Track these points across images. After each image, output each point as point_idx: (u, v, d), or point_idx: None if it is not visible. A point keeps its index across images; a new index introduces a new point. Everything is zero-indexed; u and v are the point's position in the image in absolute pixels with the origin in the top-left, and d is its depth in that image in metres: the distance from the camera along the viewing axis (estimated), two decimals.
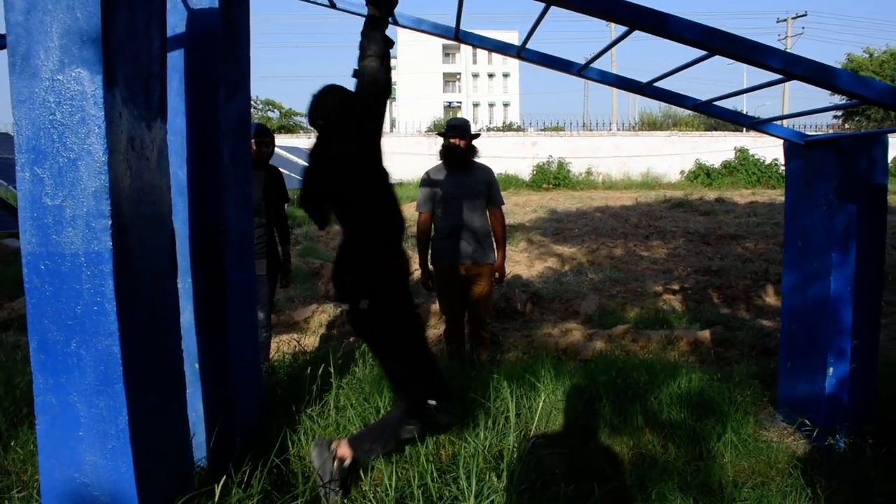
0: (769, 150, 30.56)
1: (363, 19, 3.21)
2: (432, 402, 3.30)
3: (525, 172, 32.28)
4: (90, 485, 2.32)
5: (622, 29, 3.15)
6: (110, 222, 2.21)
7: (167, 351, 2.66)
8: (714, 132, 35.70)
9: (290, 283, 5.56)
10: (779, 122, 4.23)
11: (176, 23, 3.22)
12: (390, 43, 3.24)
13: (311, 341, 6.37)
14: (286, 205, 5.62)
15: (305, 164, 3.37)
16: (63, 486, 2.34)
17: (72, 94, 2.15)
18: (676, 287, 8.87)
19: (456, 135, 5.17)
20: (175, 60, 3.22)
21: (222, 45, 3.30)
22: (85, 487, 2.33)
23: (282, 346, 5.97)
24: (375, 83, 3.09)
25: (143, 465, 2.38)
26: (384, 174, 3.31)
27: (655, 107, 56.74)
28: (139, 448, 2.36)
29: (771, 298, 8.45)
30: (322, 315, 7.38)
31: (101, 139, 2.16)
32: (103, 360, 2.27)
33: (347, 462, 3.12)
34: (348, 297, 3.26)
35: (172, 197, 2.83)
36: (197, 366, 3.38)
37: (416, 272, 5.91)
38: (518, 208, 20.05)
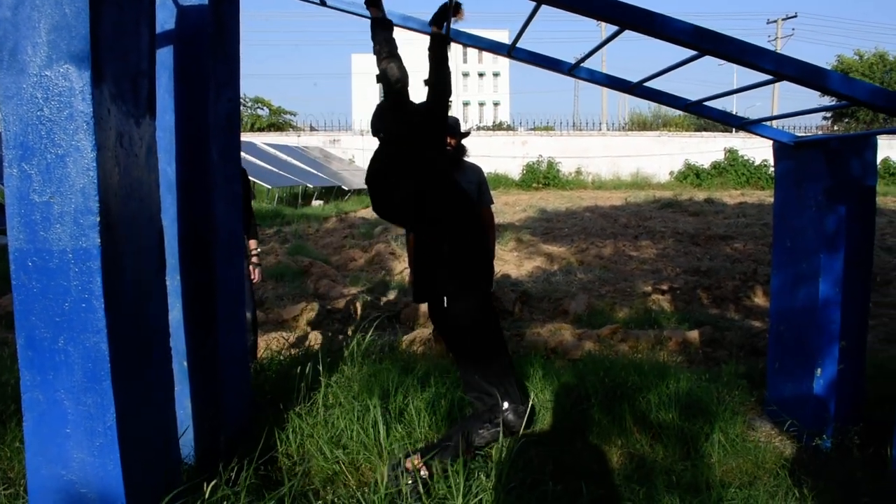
0: (759, 151, 30.74)
1: (355, 16, 3.25)
2: (506, 405, 3.28)
3: (515, 172, 32.34)
4: (77, 482, 2.31)
5: (613, 29, 3.16)
6: (98, 219, 2.19)
7: (155, 348, 2.64)
8: (704, 133, 35.87)
9: (259, 278, 5.48)
10: (768, 123, 4.25)
11: (165, 19, 3.21)
12: (447, 40, 3.38)
13: (299, 339, 6.35)
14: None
15: (367, 178, 3.47)
16: (50, 483, 2.33)
17: (60, 90, 2.14)
18: (665, 287, 8.89)
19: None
20: (164, 57, 3.20)
21: (211, 41, 3.28)
22: (72, 484, 2.32)
23: (270, 343, 5.95)
24: (399, 82, 3.25)
25: (131, 463, 2.37)
26: (448, 173, 3.43)
27: (645, 107, 56.92)
28: (126, 445, 2.34)
29: (759, 299, 8.48)
30: (311, 313, 7.36)
31: (89, 136, 2.15)
32: (91, 357, 2.25)
33: (425, 473, 3.13)
34: (429, 296, 3.32)
35: (161, 194, 2.81)
36: (185, 363, 3.37)
37: (407, 271, 5.91)
38: (508, 207, 20.07)
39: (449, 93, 3.33)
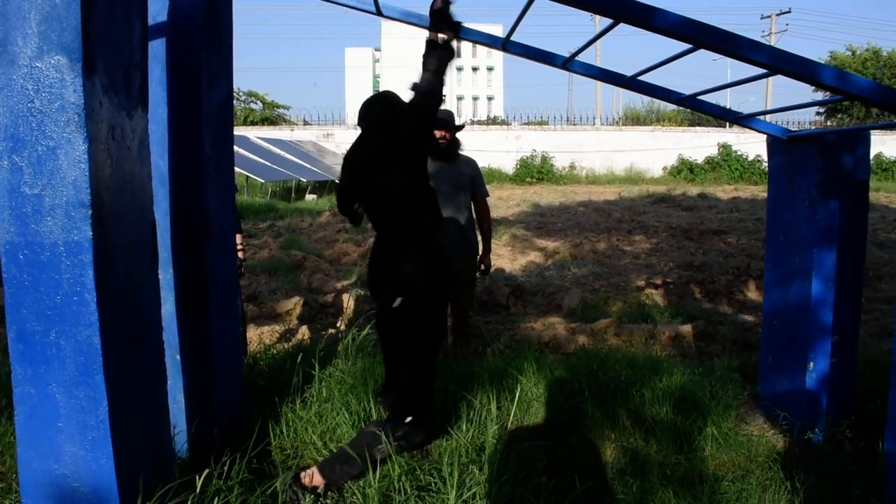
0: (752, 146, 30.80)
1: (354, 11, 3.22)
2: (409, 419, 3.24)
3: (509, 166, 32.35)
4: (69, 476, 2.30)
5: (607, 23, 3.15)
6: (90, 212, 2.18)
7: (148, 341, 2.63)
8: (697, 128, 35.91)
9: (244, 273, 5.45)
10: (762, 118, 4.25)
11: (157, 11, 3.19)
12: (452, 54, 3.31)
13: (292, 333, 6.34)
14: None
15: (342, 162, 3.46)
16: (42, 477, 2.32)
17: (51, 81, 2.12)
18: (659, 282, 8.91)
19: (440, 127, 5.14)
20: (156, 49, 3.18)
21: (204, 33, 3.26)
22: (64, 478, 2.31)
23: (263, 337, 5.94)
24: (432, 96, 3.17)
25: (123, 456, 2.36)
26: (425, 183, 3.36)
27: (639, 102, 56.90)
28: (119, 439, 2.34)
29: (752, 293, 8.51)
30: (304, 307, 7.35)
31: (80, 128, 2.13)
32: (83, 350, 2.24)
33: (321, 489, 3.09)
34: (382, 294, 3.28)
35: (154, 187, 2.80)
36: (178, 357, 3.35)
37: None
38: (501, 202, 20.07)
39: (435, 95, 3.20)
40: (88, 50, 2.13)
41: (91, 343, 2.24)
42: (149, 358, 2.64)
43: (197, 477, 2.66)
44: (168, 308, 3.30)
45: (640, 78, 3.95)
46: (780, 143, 4.18)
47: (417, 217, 3.30)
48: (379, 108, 3.35)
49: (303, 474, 3.12)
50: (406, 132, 3.19)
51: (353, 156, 3.43)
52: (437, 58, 3.19)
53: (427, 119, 3.20)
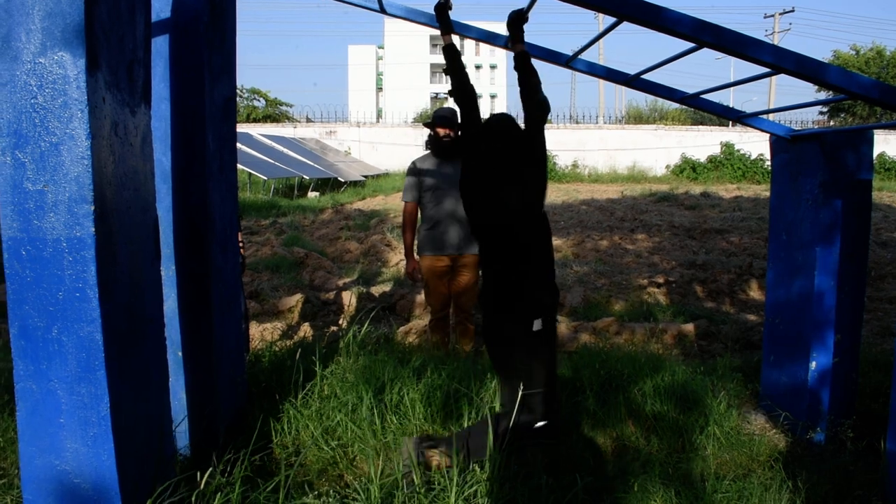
0: (755, 145, 30.78)
1: (357, 8, 3.24)
2: (540, 424, 3.29)
3: None
4: (71, 472, 2.30)
5: (611, 21, 3.15)
6: (93, 208, 2.18)
7: (150, 338, 2.63)
8: (700, 127, 35.89)
9: (244, 270, 5.41)
10: (765, 117, 4.24)
11: (161, 8, 3.18)
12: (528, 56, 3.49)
13: (294, 330, 6.35)
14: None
15: (468, 179, 3.50)
16: (43, 473, 2.32)
17: (54, 77, 2.12)
18: (661, 280, 8.90)
19: (444, 125, 5.15)
20: (160, 46, 3.18)
21: (207, 30, 3.26)
22: (66, 474, 2.31)
23: (265, 334, 5.94)
24: (548, 110, 3.41)
25: (125, 453, 2.36)
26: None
27: (642, 101, 56.85)
28: (121, 435, 2.34)
29: (755, 293, 8.50)
30: (306, 304, 7.35)
31: (83, 124, 2.13)
32: (85, 346, 2.24)
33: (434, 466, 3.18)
34: (518, 318, 3.29)
35: (157, 183, 2.80)
36: (180, 353, 3.35)
37: (402, 263, 5.90)
38: None
39: (548, 109, 3.42)
40: (92, 46, 2.13)
41: (93, 339, 2.24)
42: (150, 354, 2.64)
43: (199, 473, 2.67)
44: (170, 305, 3.30)
45: (643, 77, 3.95)
46: (784, 143, 4.17)
47: (545, 239, 3.42)
48: (506, 127, 3.43)
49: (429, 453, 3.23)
50: (537, 147, 3.36)
51: (489, 176, 3.42)
52: (534, 73, 3.42)
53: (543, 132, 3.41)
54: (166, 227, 3.26)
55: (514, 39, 3.48)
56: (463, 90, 3.48)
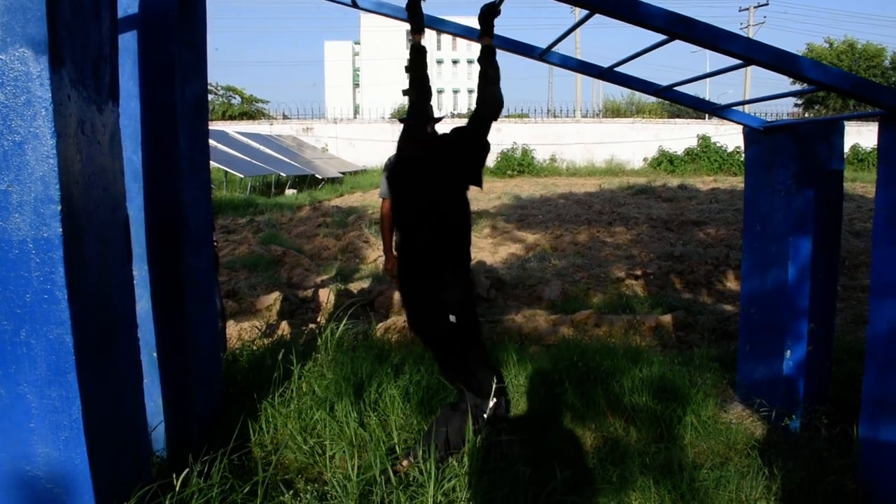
0: (731, 137, 30.99)
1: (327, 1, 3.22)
2: (494, 400, 3.35)
3: (489, 159, 32.24)
4: (43, 477, 2.26)
5: (585, 13, 3.14)
6: (60, 208, 2.14)
7: (123, 339, 2.60)
8: (677, 119, 36.07)
9: (219, 269, 5.37)
10: (740, 109, 4.27)
11: (128, 3, 3.14)
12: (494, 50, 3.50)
13: (272, 328, 6.30)
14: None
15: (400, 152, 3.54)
16: (14, 479, 2.27)
17: (16, 74, 2.07)
18: (639, 272, 8.94)
19: None
20: (128, 42, 3.13)
21: (177, 26, 3.22)
22: (37, 480, 2.27)
23: (243, 333, 5.90)
24: (500, 107, 3.41)
25: (99, 456, 2.33)
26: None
27: (619, 94, 57.03)
28: (94, 439, 2.30)
29: (731, 283, 8.56)
30: (284, 302, 7.31)
31: (48, 122, 2.09)
32: (55, 349, 2.20)
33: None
34: (435, 315, 3.32)
35: (127, 182, 2.76)
36: (154, 354, 3.32)
37: (380, 259, 5.88)
38: (482, 195, 20.03)
39: (501, 105, 3.42)
40: (55, 42, 2.09)
41: (63, 342, 2.20)
42: (123, 356, 2.61)
43: (175, 476, 2.64)
44: (143, 305, 3.26)
45: (617, 69, 3.95)
46: (757, 134, 4.20)
47: (465, 235, 3.43)
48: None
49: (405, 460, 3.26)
50: (478, 141, 3.41)
51: (418, 159, 3.44)
52: (496, 67, 3.40)
53: (489, 128, 3.45)
54: (138, 226, 3.22)
55: (483, 32, 3.49)
56: (424, 88, 3.49)
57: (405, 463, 3.20)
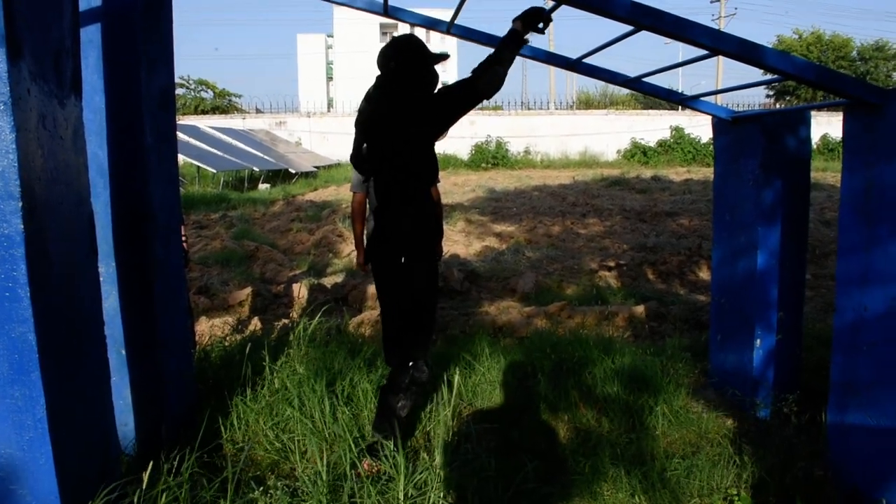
0: (704, 128, 31.11)
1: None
2: (411, 364, 3.34)
3: (464, 152, 32.33)
4: (5, 478, 2.22)
5: (553, 3, 3.14)
6: (21, 204, 2.09)
7: (88, 337, 2.56)
8: (650, 111, 36.32)
9: (188, 264, 5.28)
10: (710, 99, 4.29)
11: None
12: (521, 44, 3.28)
13: (244, 324, 6.26)
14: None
15: (363, 114, 3.39)
16: None
17: None
18: (612, 264, 9.00)
19: None
20: (91, 35, 3.08)
21: (142, 18, 3.17)
22: (0, 481, 2.23)
23: (215, 329, 5.85)
24: (496, 86, 3.16)
25: (64, 456, 2.29)
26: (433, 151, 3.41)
27: (592, 86, 57.32)
28: (59, 439, 2.27)
29: (704, 273, 8.64)
30: (257, 297, 7.26)
31: (6, 117, 2.04)
32: (17, 347, 2.16)
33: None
34: (394, 253, 3.29)
35: (92, 178, 2.72)
36: (123, 352, 3.28)
37: (354, 253, 5.87)
38: (457, 188, 20.05)
39: (498, 86, 3.18)
40: (13, 34, 2.04)
41: (25, 340, 2.16)
42: (90, 354, 2.57)
43: (143, 474, 2.61)
44: (111, 302, 3.22)
45: (586, 61, 3.95)
46: (725, 124, 4.23)
47: (420, 178, 3.34)
48: (408, 53, 3.34)
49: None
50: (448, 102, 3.24)
51: (376, 107, 3.36)
52: (513, 52, 3.19)
53: (472, 103, 3.24)
54: (104, 222, 3.18)
55: (520, 18, 3.22)
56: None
57: (366, 465, 3.19)
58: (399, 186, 3.32)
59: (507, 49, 3.15)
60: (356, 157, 3.45)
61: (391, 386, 3.35)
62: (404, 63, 3.30)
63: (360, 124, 3.42)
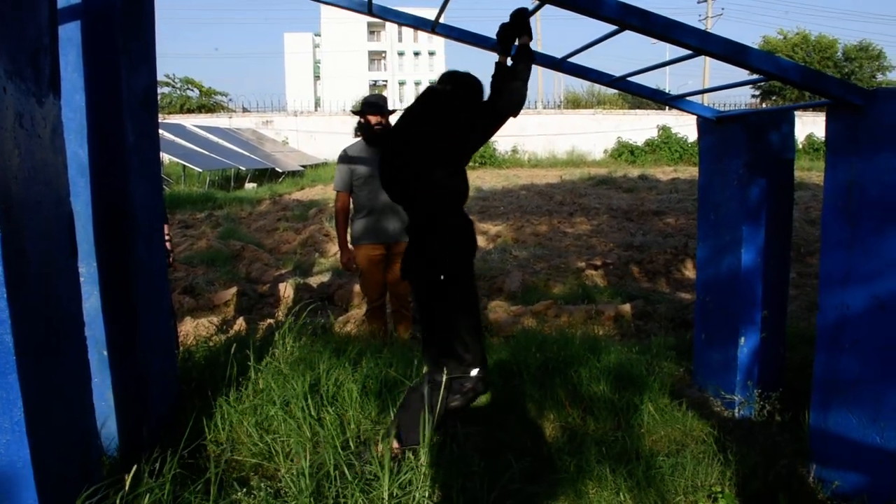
0: (691, 128, 31.10)
1: None
2: (476, 371, 3.32)
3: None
4: None
5: (537, 3, 3.14)
6: None
7: (68, 337, 2.53)
8: (637, 111, 36.46)
9: (173, 264, 5.22)
10: (696, 99, 4.30)
11: None
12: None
13: (230, 324, 6.23)
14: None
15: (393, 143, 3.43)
16: None
17: None
18: (599, 263, 9.02)
19: (374, 112, 5.09)
20: (70, 32, 3.05)
21: (122, 15, 3.14)
22: None
23: (200, 329, 5.82)
24: (518, 102, 3.21)
25: (44, 459, 2.26)
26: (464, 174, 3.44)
27: (580, 86, 57.44)
28: (38, 441, 2.24)
29: (690, 272, 8.67)
30: (242, 297, 7.22)
31: None
32: None
33: (399, 455, 3.14)
34: (427, 272, 3.31)
35: (73, 177, 2.70)
36: (105, 352, 3.25)
37: (337, 253, 5.86)
38: None
39: (521, 103, 3.24)
40: None
41: (2, 342, 2.12)
42: (70, 355, 2.54)
43: (126, 475, 2.58)
44: (93, 302, 3.19)
45: (572, 60, 3.95)
46: (710, 124, 4.24)
47: (454, 196, 3.39)
48: (468, 87, 3.41)
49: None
50: (477, 126, 3.26)
51: (405, 131, 3.38)
52: (527, 65, 3.25)
53: (497, 124, 3.26)
54: (85, 221, 3.15)
55: (521, 32, 3.30)
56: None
57: (395, 447, 3.21)
58: (434, 204, 3.34)
59: (520, 62, 3.23)
60: (388, 180, 3.44)
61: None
62: (461, 90, 3.37)
63: (394, 140, 3.45)
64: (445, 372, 3.26)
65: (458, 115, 3.26)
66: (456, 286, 3.30)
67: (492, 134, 3.33)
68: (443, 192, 3.31)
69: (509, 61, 3.33)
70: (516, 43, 3.30)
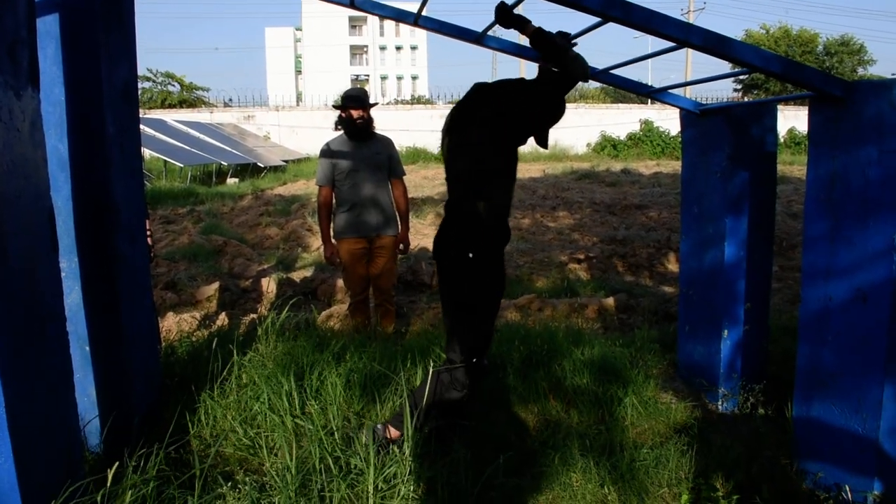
0: (674, 122, 31.42)
1: None
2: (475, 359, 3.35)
3: (434, 145, 32.20)
4: None
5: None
6: None
7: (49, 335, 2.50)
8: (620, 104, 36.53)
9: (153, 259, 5.19)
10: (678, 92, 4.31)
11: None
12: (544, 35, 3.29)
13: (212, 319, 6.19)
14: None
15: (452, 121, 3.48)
16: None
17: None
18: (582, 256, 9.04)
19: (356, 105, 5.07)
20: (49, 25, 3.01)
21: (102, 8, 3.10)
22: None
23: (182, 325, 5.78)
24: (584, 67, 3.30)
25: (26, 456, 2.24)
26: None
27: None
28: (20, 439, 2.22)
29: (673, 265, 8.72)
30: (225, 292, 7.18)
31: None
32: None
33: (398, 442, 3.16)
34: (456, 249, 3.31)
35: (53, 171, 2.66)
36: (87, 348, 3.22)
37: (320, 248, 5.84)
38: (427, 181, 19.99)
39: (579, 76, 3.28)
40: None
41: None
42: (52, 351, 2.51)
43: (109, 471, 2.56)
44: (74, 298, 3.16)
45: None
46: (693, 117, 4.26)
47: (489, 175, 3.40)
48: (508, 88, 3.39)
49: (384, 428, 3.31)
50: (542, 90, 3.30)
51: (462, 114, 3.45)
52: (556, 46, 3.24)
53: (568, 86, 3.32)
54: (66, 216, 3.12)
55: (518, 27, 3.32)
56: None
57: (393, 433, 3.26)
58: (474, 179, 3.37)
59: (547, 52, 3.26)
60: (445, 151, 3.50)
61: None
62: (550, 80, 3.34)
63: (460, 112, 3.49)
64: (458, 357, 3.31)
65: (520, 95, 3.31)
66: (483, 267, 3.31)
67: (555, 104, 3.36)
68: (482, 168, 3.35)
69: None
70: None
